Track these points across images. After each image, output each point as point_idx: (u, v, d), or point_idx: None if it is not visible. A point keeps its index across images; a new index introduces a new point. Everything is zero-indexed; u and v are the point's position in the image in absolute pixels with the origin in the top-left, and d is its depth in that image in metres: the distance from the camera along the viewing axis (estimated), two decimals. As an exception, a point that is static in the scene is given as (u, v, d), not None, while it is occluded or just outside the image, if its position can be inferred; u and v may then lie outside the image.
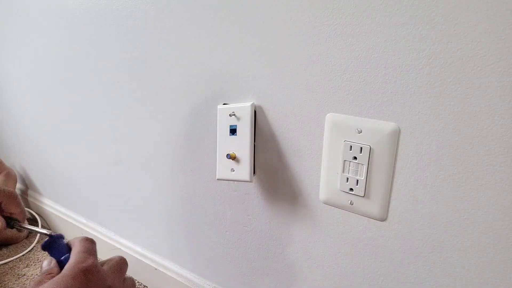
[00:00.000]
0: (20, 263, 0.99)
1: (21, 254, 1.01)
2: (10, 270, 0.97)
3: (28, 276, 0.94)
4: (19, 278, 0.94)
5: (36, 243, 1.07)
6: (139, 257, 0.86)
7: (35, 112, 0.98)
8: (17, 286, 0.91)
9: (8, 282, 0.92)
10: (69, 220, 1.04)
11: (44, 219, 1.16)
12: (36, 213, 1.16)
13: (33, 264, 0.99)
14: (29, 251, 1.03)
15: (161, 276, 0.82)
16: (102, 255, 0.97)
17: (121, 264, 0.44)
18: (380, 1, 0.39)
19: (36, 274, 0.94)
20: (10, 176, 1.09)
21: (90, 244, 0.42)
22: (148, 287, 0.88)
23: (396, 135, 0.42)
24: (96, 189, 0.92)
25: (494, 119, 0.36)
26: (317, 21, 0.44)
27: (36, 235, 1.08)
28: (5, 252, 1.04)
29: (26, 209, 1.12)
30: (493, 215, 0.39)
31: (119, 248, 0.90)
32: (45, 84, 0.90)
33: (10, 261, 1.00)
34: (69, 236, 1.07)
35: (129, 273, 0.93)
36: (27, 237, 1.08)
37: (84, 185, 0.95)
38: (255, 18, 0.49)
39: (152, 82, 0.66)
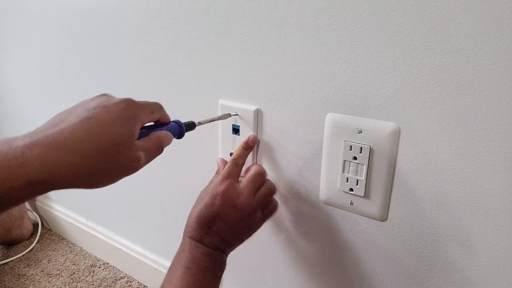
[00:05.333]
0: (20, 263, 0.99)
1: (21, 254, 1.01)
2: (10, 270, 0.97)
3: (28, 276, 0.94)
4: (19, 278, 0.94)
5: (36, 243, 1.07)
6: (139, 257, 0.86)
7: (36, 112, 0.99)
8: (17, 286, 0.91)
9: (8, 282, 0.92)
10: (69, 220, 1.04)
11: (44, 219, 1.16)
12: (36, 213, 1.16)
13: (33, 264, 0.99)
14: (29, 251, 1.03)
15: (161, 276, 0.82)
16: (102, 255, 0.98)
17: (253, 177, 0.51)
18: (380, 1, 0.39)
19: (36, 274, 0.94)
20: None
21: (230, 168, 0.50)
22: (148, 287, 0.88)
23: (396, 135, 0.42)
24: (96, 189, 0.92)
25: (494, 119, 0.36)
26: (317, 21, 0.44)
27: (37, 235, 1.08)
28: (5, 252, 1.04)
29: (27, 209, 1.12)
30: (493, 215, 0.39)
31: (119, 248, 0.90)
32: (46, 84, 0.90)
33: (10, 261, 1.00)
34: (69, 236, 1.07)
35: (129, 273, 0.93)
36: (29, 238, 1.08)
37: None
38: (255, 18, 0.49)
39: (152, 83, 0.66)
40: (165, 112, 0.41)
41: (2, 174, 0.26)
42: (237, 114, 0.54)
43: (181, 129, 0.43)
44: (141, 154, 0.34)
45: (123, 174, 0.33)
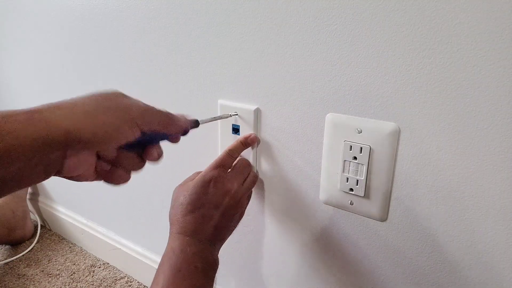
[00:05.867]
0: (20, 263, 0.99)
1: (21, 254, 1.01)
2: (10, 270, 0.97)
3: (28, 276, 0.94)
4: (19, 278, 0.94)
5: (36, 243, 1.07)
6: (139, 257, 0.86)
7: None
8: (17, 286, 0.91)
9: (8, 282, 0.92)
10: (69, 220, 1.04)
11: (44, 219, 1.16)
12: (36, 213, 1.16)
13: (33, 264, 0.99)
14: (29, 251, 1.03)
15: (161, 276, 0.82)
16: (102, 255, 0.98)
17: (242, 167, 0.53)
18: (380, 1, 0.39)
19: (36, 274, 0.94)
20: None
21: (224, 158, 0.51)
22: (148, 287, 0.88)
23: (396, 135, 0.42)
24: (96, 189, 0.92)
25: (494, 119, 0.36)
26: (317, 21, 0.44)
27: (36, 235, 1.08)
28: (5, 252, 1.04)
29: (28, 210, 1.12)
30: (493, 215, 0.39)
31: (119, 248, 0.90)
32: (46, 84, 0.90)
33: (10, 261, 1.00)
34: (69, 236, 1.07)
35: (129, 273, 0.93)
36: (30, 238, 1.08)
37: (84, 185, 0.95)
38: (255, 18, 0.49)
39: (152, 83, 0.66)
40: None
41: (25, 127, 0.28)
42: (237, 114, 0.54)
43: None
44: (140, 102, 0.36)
45: (121, 111, 0.34)
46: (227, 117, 0.54)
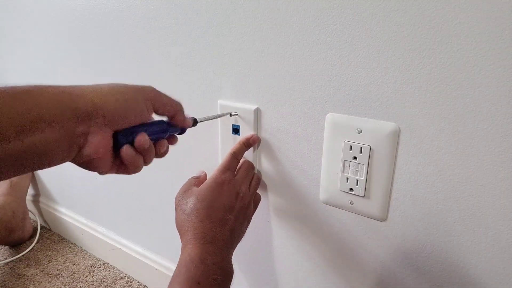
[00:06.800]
0: (20, 263, 0.99)
1: (21, 254, 1.01)
2: (10, 270, 0.97)
3: (28, 276, 0.94)
4: (19, 278, 0.94)
5: (36, 243, 1.07)
6: (139, 257, 0.86)
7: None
8: (17, 286, 0.91)
9: (8, 282, 0.92)
10: (69, 220, 1.04)
11: (44, 219, 1.16)
12: (36, 213, 1.16)
13: (33, 264, 0.99)
14: (29, 251, 1.03)
15: (161, 276, 0.82)
16: (102, 255, 0.98)
17: (248, 170, 0.53)
18: (380, 1, 0.39)
19: (36, 274, 0.94)
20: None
21: (231, 161, 0.51)
22: (148, 287, 0.88)
23: (396, 135, 0.42)
24: (96, 189, 0.92)
25: (494, 119, 0.36)
26: (317, 21, 0.44)
27: (36, 235, 1.08)
28: (5, 252, 1.04)
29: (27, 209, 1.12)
30: (493, 215, 0.39)
31: (119, 248, 0.90)
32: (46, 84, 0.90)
33: (10, 261, 1.00)
34: (69, 236, 1.07)
35: (129, 273, 0.93)
36: (28, 239, 1.08)
37: (84, 185, 0.95)
38: (255, 18, 0.49)
39: (152, 83, 0.66)
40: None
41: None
42: (237, 114, 0.54)
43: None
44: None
45: (137, 92, 0.37)
46: (225, 115, 0.54)
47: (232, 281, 0.44)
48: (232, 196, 0.47)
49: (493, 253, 0.40)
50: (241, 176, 0.51)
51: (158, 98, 0.39)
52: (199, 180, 0.52)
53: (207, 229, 0.44)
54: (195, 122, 0.45)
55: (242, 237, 0.50)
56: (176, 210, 0.49)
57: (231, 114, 0.54)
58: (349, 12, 0.41)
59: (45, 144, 0.29)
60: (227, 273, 0.44)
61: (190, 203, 0.47)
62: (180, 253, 0.44)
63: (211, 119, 0.50)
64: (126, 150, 0.35)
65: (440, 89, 0.38)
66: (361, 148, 0.45)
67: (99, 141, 0.33)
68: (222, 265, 0.43)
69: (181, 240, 0.45)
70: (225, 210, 0.46)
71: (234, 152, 0.52)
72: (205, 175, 0.54)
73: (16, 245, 1.06)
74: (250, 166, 0.54)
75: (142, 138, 0.36)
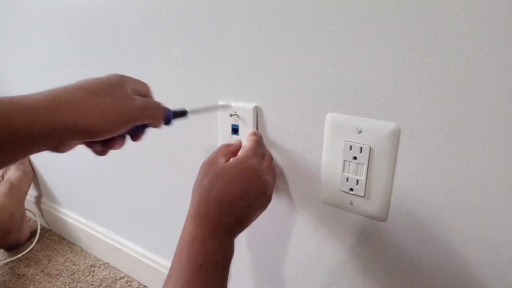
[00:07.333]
0: (20, 263, 0.99)
1: (21, 254, 1.01)
2: (10, 270, 0.97)
3: (28, 276, 0.94)
4: (19, 278, 0.94)
5: (36, 243, 1.07)
6: (139, 257, 0.86)
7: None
8: (17, 286, 0.91)
9: (8, 282, 0.92)
10: (69, 220, 1.04)
11: (44, 219, 1.16)
12: (36, 213, 1.16)
13: (33, 264, 0.99)
14: (29, 251, 1.03)
15: (161, 276, 0.82)
16: (102, 255, 0.98)
17: (271, 159, 0.52)
18: (380, 1, 0.39)
19: (36, 274, 0.95)
20: (27, 173, 1.10)
21: (258, 146, 0.50)
22: (148, 287, 0.88)
23: (396, 135, 0.42)
24: (96, 189, 0.92)
25: (494, 119, 0.36)
26: (317, 21, 0.44)
27: (36, 235, 1.08)
28: (5, 252, 1.04)
29: (26, 209, 1.12)
30: (493, 215, 0.39)
31: (119, 248, 0.90)
32: (46, 84, 0.90)
33: (10, 261, 1.00)
34: (69, 236, 1.07)
35: (129, 273, 0.93)
36: (25, 242, 1.08)
37: (84, 185, 0.95)
38: (255, 18, 0.49)
39: (152, 83, 0.66)
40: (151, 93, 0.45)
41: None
42: (236, 114, 0.54)
43: (168, 116, 0.44)
44: (138, 98, 0.39)
45: (123, 116, 0.37)
46: (219, 108, 0.53)
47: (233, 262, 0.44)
48: (253, 184, 0.45)
49: (493, 253, 0.40)
50: (267, 165, 0.48)
51: (137, 118, 0.39)
52: (229, 151, 0.50)
53: (213, 212, 0.43)
54: (184, 113, 0.45)
55: (251, 222, 0.47)
56: (198, 173, 0.47)
57: (231, 115, 0.54)
58: (349, 12, 0.41)
59: (18, 154, 0.33)
60: (228, 256, 0.43)
61: (209, 177, 0.45)
62: None
63: (204, 112, 0.49)
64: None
65: (440, 89, 0.38)
66: (361, 148, 0.45)
67: (71, 146, 0.37)
68: (224, 248, 0.42)
69: (190, 204, 0.45)
70: (239, 197, 0.43)
71: (259, 139, 0.51)
72: (240, 144, 0.52)
73: (12, 247, 1.05)
74: (272, 158, 0.53)
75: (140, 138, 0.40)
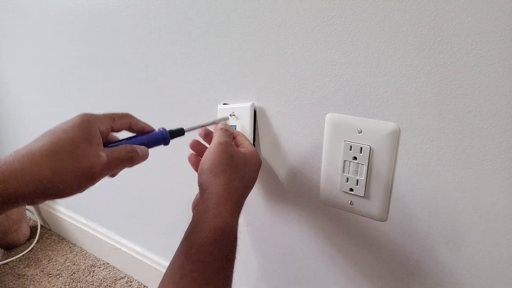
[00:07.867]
0: (20, 263, 0.99)
1: (21, 254, 1.01)
2: (10, 270, 0.97)
3: (28, 276, 0.94)
4: (19, 278, 0.94)
5: (36, 243, 1.07)
6: (139, 257, 0.86)
7: (35, 111, 0.99)
8: (17, 286, 0.91)
9: (8, 282, 0.92)
10: (69, 220, 1.04)
11: (44, 219, 1.16)
12: (36, 213, 1.16)
13: (33, 264, 0.99)
14: (29, 251, 1.03)
15: (161, 276, 0.82)
16: (102, 255, 0.98)
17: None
18: (380, 1, 0.39)
19: (36, 274, 0.94)
20: None
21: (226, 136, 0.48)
22: (148, 287, 0.88)
23: (396, 135, 0.42)
24: (96, 189, 0.92)
25: (494, 119, 0.36)
26: (317, 21, 0.44)
27: (36, 235, 1.08)
28: (5, 252, 1.04)
29: (26, 209, 1.12)
30: (493, 215, 0.39)
31: (119, 248, 0.90)
32: (46, 84, 0.90)
33: (10, 261, 1.00)
34: (69, 236, 1.07)
35: (129, 273, 0.93)
36: (24, 243, 1.08)
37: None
38: (255, 18, 0.49)
39: (151, 83, 0.66)
40: (137, 120, 0.42)
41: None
42: (234, 114, 0.54)
43: (164, 137, 0.43)
44: (103, 154, 0.36)
45: (86, 175, 0.34)
46: (218, 123, 0.52)
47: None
48: (256, 171, 0.49)
49: (493, 254, 0.40)
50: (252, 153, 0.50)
51: (102, 171, 0.36)
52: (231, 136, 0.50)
53: (242, 197, 0.44)
54: (181, 131, 0.44)
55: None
56: (221, 153, 0.45)
57: (230, 115, 0.54)
58: (349, 12, 0.41)
59: None
60: (235, 249, 0.42)
61: (241, 159, 0.46)
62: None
63: (202, 127, 0.49)
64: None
65: (440, 89, 0.38)
66: (361, 148, 0.45)
67: None
68: (235, 243, 0.41)
69: (208, 182, 0.43)
70: (245, 189, 0.46)
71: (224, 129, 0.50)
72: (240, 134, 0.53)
73: (10, 248, 1.05)
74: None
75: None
